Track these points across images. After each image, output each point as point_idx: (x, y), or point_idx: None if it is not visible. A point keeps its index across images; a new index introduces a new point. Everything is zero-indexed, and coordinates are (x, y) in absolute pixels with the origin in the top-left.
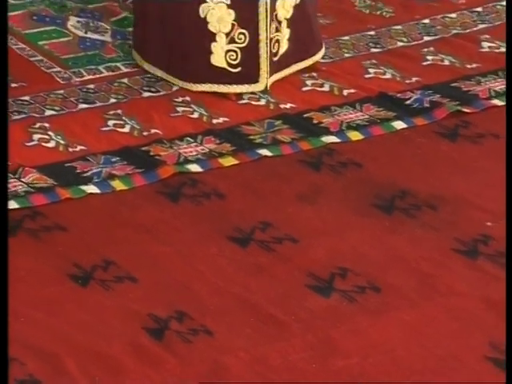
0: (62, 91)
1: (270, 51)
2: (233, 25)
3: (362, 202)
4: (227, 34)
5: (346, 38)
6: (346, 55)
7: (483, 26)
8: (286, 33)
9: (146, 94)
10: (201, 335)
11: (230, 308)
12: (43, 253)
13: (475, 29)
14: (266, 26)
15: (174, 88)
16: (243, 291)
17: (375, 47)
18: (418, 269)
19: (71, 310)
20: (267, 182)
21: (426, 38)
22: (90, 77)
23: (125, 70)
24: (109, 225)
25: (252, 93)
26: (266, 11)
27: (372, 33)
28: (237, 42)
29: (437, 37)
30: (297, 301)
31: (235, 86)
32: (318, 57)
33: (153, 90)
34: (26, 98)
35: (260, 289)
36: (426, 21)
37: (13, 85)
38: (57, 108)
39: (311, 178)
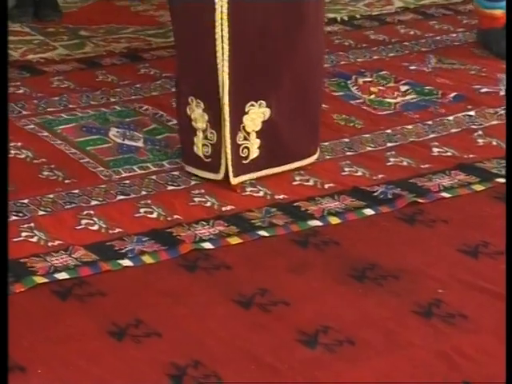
0: (104, 186)
1: (239, 155)
2: (207, 124)
3: (340, 273)
4: (203, 131)
5: (327, 143)
6: (327, 157)
7: (433, 135)
8: (255, 142)
9: (170, 188)
10: (212, 380)
11: (236, 358)
12: (88, 314)
13: (427, 137)
14: (230, 132)
15: (192, 183)
16: (246, 344)
17: (349, 151)
18: (385, 326)
19: (109, 359)
20: (265, 256)
21: (389, 144)
22: (126, 174)
23: (153, 169)
24: (140, 291)
25: (253, 185)
26: (230, 122)
27: (347, 140)
28: (208, 139)
29: (397, 143)
30: (289, 352)
31: (206, 172)
32: (303, 162)
33: (175, 184)
34: (76, 191)
35: (259, 342)
36: (389, 131)
37: (66, 181)
38: (100, 199)
39: (300, 254)
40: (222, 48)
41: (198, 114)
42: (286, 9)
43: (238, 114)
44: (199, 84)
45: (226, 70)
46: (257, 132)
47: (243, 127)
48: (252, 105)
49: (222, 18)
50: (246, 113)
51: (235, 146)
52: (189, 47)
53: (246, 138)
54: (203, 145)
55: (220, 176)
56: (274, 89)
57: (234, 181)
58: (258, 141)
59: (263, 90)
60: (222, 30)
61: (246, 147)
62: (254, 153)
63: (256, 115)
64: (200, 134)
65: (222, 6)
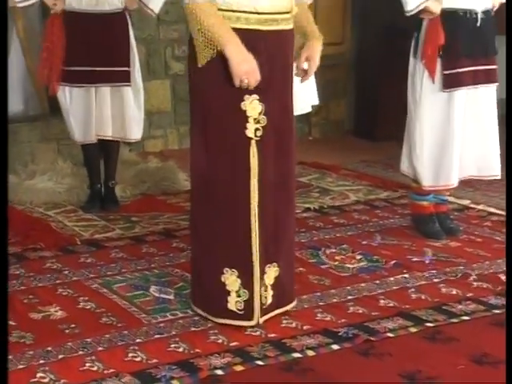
0: (145, 328)
1: (261, 303)
2: (239, 287)
3: None
4: (236, 292)
5: (305, 296)
6: (305, 306)
7: (380, 291)
8: (270, 292)
9: (192, 329)
10: None
11: None
12: None
13: (375, 293)
14: (259, 289)
15: (208, 325)
16: None
17: (321, 302)
18: None
19: None
20: (261, 379)
21: (349, 297)
22: (161, 319)
23: (181, 315)
24: None
25: (252, 327)
26: (258, 280)
27: (319, 294)
28: (241, 297)
29: (355, 297)
30: None
31: (241, 321)
32: (289, 306)
33: (196, 326)
34: (125, 332)
35: None
36: (349, 288)
37: (118, 325)
38: (142, 337)
39: (286, 378)
40: (256, 227)
41: (232, 280)
42: (283, 192)
43: (262, 275)
44: (234, 256)
45: (258, 243)
46: (271, 285)
47: (264, 283)
48: (269, 266)
49: (253, 202)
50: (265, 273)
51: (260, 297)
52: (225, 228)
53: (265, 290)
54: (236, 301)
55: (254, 322)
56: (282, 250)
57: (260, 321)
58: (272, 291)
59: (276, 253)
60: (255, 210)
61: (265, 296)
62: (269, 300)
63: (272, 273)
64: (233, 294)
65: (253, 196)
